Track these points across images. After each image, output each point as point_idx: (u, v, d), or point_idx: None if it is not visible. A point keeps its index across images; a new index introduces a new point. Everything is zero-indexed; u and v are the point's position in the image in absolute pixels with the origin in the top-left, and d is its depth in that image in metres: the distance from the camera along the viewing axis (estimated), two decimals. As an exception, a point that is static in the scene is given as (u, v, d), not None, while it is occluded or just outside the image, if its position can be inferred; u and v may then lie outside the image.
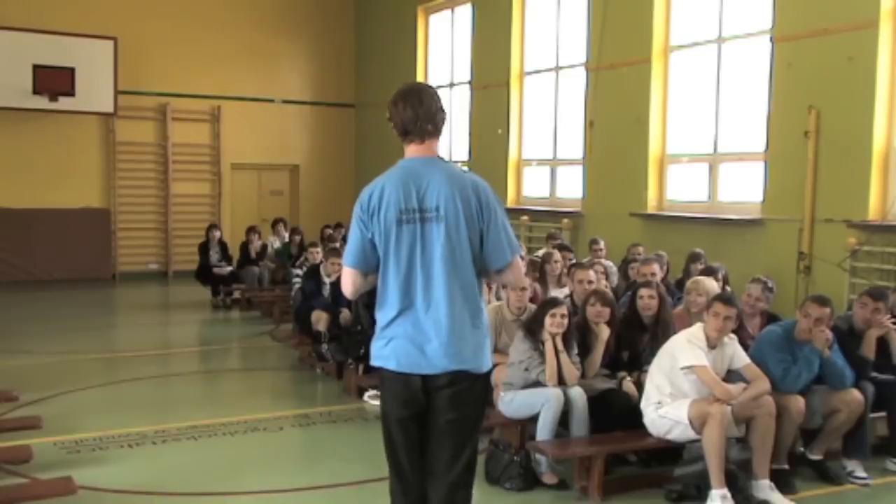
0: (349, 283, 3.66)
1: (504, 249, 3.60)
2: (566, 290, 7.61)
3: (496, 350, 6.47)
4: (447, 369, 3.50)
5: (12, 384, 7.32)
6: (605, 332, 6.04)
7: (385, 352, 3.58)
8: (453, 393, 3.52)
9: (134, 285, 15.73)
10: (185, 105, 16.66)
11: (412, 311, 3.53)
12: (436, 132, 3.63)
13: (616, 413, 5.79)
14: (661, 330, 6.17)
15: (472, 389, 3.57)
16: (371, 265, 3.61)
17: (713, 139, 10.30)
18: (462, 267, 3.53)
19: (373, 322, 8.13)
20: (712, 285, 6.64)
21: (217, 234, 13.86)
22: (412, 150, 3.64)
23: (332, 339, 8.59)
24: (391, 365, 3.56)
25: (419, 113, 3.57)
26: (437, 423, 3.57)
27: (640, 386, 5.87)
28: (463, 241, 3.52)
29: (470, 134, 14.62)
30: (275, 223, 14.47)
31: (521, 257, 4.05)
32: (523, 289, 6.58)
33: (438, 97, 3.66)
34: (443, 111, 3.65)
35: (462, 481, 3.60)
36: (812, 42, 8.76)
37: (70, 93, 14.97)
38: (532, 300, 6.83)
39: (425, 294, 3.51)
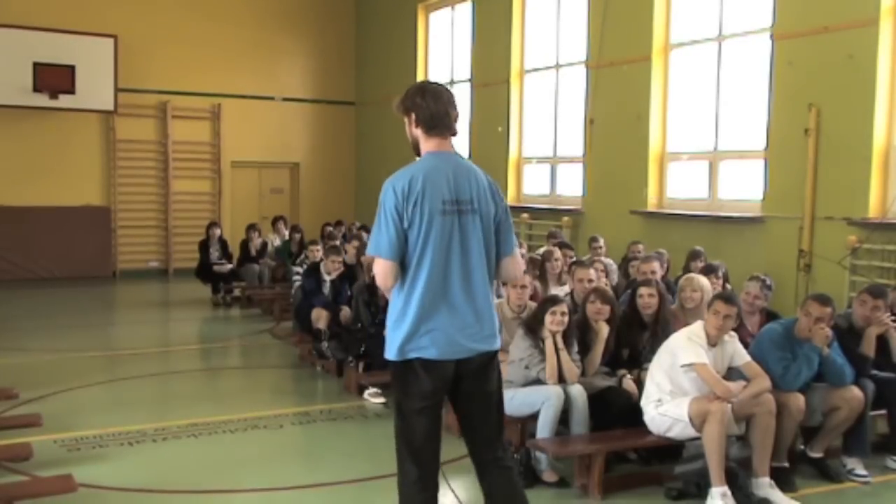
0: (390, 276, 3.64)
1: (513, 239, 3.87)
2: (566, 288, 7.62)
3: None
4: (481, 351, 3.71)
5: (12, 382, 7.31)
6: (605, 330, 6.04)
7: (423, 342, 3.62)
8: (484, 371, 3.74)
9: (134, 283, 15.75)
10: (186, 103, 16.67)
11: (447, 300, 3.63)
12: (456, 132, 3.79)
13: (616, 411, 5.79)
14: (661, 328, 6.18)
15: (496, 366, 3.82)
16: (403, 256, 3.63)
17: (713, 137, 10.29)
18: (490, 256, 3.76)
19: (373, 319, 8.14)
20: (705, 282, 6.65)
21: (217, 231, 13.86)
22: (434, 144, 3.74)
23: (332, 337, 8.59)
24: (430, 354, 3.61)
25: (451, 112, 3.73)
26: (474, 402, 3.77)
27: (640, 384, 5.87)
28: (491, 232, 3.74)
29: (470, 132, 14.61)
30: (275, 221, 14.47)
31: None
32: (523, 286, 6.58)
33: None
34: None
35: (505, 448, 3.88)
36: (812, 40, 8.75)
37: (70, 91, 14.99)
38: (532, 298, 6.83)
39: (464, 283, 3.64)
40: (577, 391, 5.69)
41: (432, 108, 3.68)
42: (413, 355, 3.63)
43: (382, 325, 7.64)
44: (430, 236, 3.59)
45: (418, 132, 3.75)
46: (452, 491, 3.82)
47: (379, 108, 17.56)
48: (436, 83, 3.87)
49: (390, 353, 3.71)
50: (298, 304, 9.76)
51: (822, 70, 8.68)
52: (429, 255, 3.59)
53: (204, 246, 13.66)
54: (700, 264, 8.13)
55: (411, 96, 3.73)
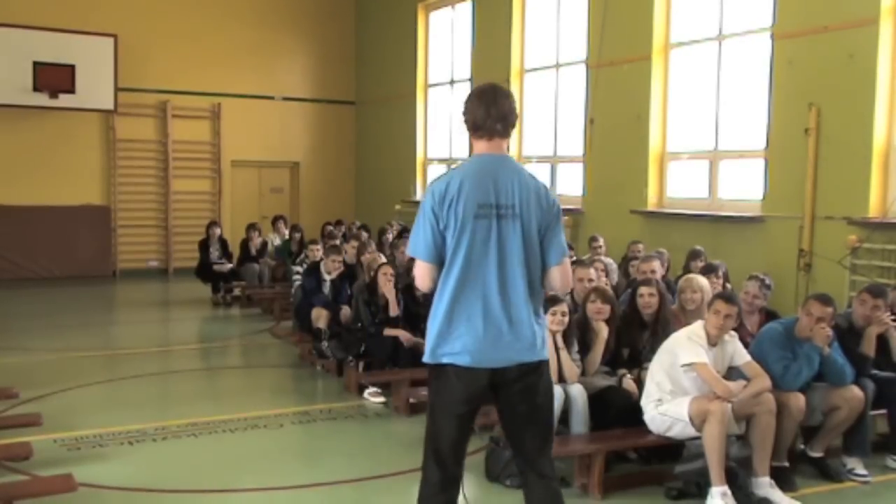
0: (427, 278, 3.67)
1: (561, 250, 3.74)
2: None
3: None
4: (519, 361, 3.59)
5: (12, 381, 7.32)
6: (605, 330, 6.04)
7: (455, 347, 3.58)
8: (527, 384, 3.63)
9: (134, 282, 15.75)
10: (186, 102, 16.67)
11: (482, 306, 3.56)
12: (504, 132, 3.72)
13: (616, 411, 5.78)
14: (661, 327, 6.17)
15: (542, 378, 3.68)
16: (442, 258, 3.62)
17: (713, 136, 10.29)
18: (533, 264, 3.65)
19: (373, 319, 8.13)
20: (705, 282, 6.64)
21: (217, 231, 13.86)
22: (481, 147, 3.74)
23: (332, 337, 8.58)
24: (463, 361, 3.56)
25: (491, 111, 3.66)
26: (516, 414, 3.67)
27: (640, 383, 5.87)
28: (534, 239, 3.65)
29: (470, 131, 14.61)
30: (275, 220, 14.47)
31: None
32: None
33: (513, 99, 3.75)
34: (514, 114, 3.73)
35: (551, 462, 3.77)
36: (812, 39, 8.75)
37: (70, 90, 14.98)
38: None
39: (501, 290, 3.57)
40: (577, 391, 5.69)
41: (474, 111, 3.69)
42: (446, 360, 3.60)
43: (382, 324, 7.74)
44: (463, 239, 3.56)
45: (469, 135, 3.76)
46: (463, 493, 3.79)
47: (379, 107, 17.57)
48: (490, 85, 3.82)
49: (425, 354, 3.70)
50: (298, 304, 9.76)
51: (823, 70, 8.68)
52: (461, 257, 3.56)
53: (204, 245, 13.66)
54: (700, 264, 8.13)
55: (465, 101, 3.76)
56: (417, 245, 3.64)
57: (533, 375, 3.63)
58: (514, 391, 3.62)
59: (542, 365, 3.68)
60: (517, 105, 3.75)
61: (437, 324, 3.62)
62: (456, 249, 3.57)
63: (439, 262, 3.63)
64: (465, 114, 3.74)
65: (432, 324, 3.66)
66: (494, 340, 3.56)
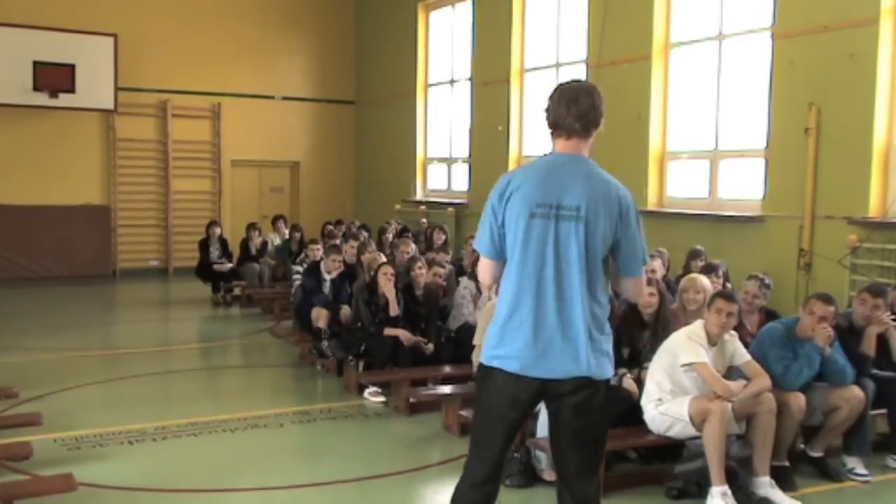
0: (488, 273, 3.63)
1: (637, 261, 3.58)
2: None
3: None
4: (572, 375, 3.41)
5: (12, 381, 7.33)
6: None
7: (502, 351, 3.46)
8: (579, 400, 3.44)
9: (134, 282, 15.75)
10: (186, 102, 16.67)
11: (538, 310, 3.41)
12: (584, 131, 3.57)
13: (616, 410, 5.76)
14: (661, 327, 6.16)
15: (597, 396, 3.47)
16: (503, 254, 3.54)
17: (714, 136, 10.28)
18: (596, 270, 3.46)
19: (373, 318, 8.12)
20: (707, 283, 6.64)
21: (217, 230, 13.86)
22: (559, 146, 3.61)
23: (332, 336, 8.58)
24: (511, 367, 3.43)
25: (571, 109, 3.54)
26: (563, 430, 3.50)
27: (640, 383, 5.86)
28: (598, 245, 3.44)
29: (470, 131, 14.62)
30: (275, 220, 14.48)
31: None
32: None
33: (598, 99, 3.60)
34: (596, 112, 3.59)
35: (597, 489, 3.56)
36: (813, 39, 8.75)
37: (70, 90, 14.98)
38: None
39: (557, 295, 3.41)
40: (578, 390, 5.67)
41: (555, 109, 3.57)
42: (496, 364, 3.48)
43: (382, 324, 7.74)
44: (518, 238, 3.45)
45: (550, 133, 3.65)
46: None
47: (379, 107, 17.57)
48: (575, 81, 3.69)
49: (482, 352, 3.60)
50: (298, 303, 9.76)
51: (823, 69, 8.68)
52: (516, 258, 3.46)
53: (204, 245, 13.66)
54: (700, 263, 8.14)
55: (548, 98, 3.65)
56: (481, 241, 3.59)
57: (588, 390, 3.43)
58: (566, 405, 3.44)
59: (600, 382, 3.45)
60: (601, 103, 3.61)
61: (495, 323, 3.53)
62: (512, 248, 3.48)
63: (500, 258, 3.55)
64: (546, 111, 3.61)
65: (492, 322, 3.57)
66: (545, 349, 3.40)
